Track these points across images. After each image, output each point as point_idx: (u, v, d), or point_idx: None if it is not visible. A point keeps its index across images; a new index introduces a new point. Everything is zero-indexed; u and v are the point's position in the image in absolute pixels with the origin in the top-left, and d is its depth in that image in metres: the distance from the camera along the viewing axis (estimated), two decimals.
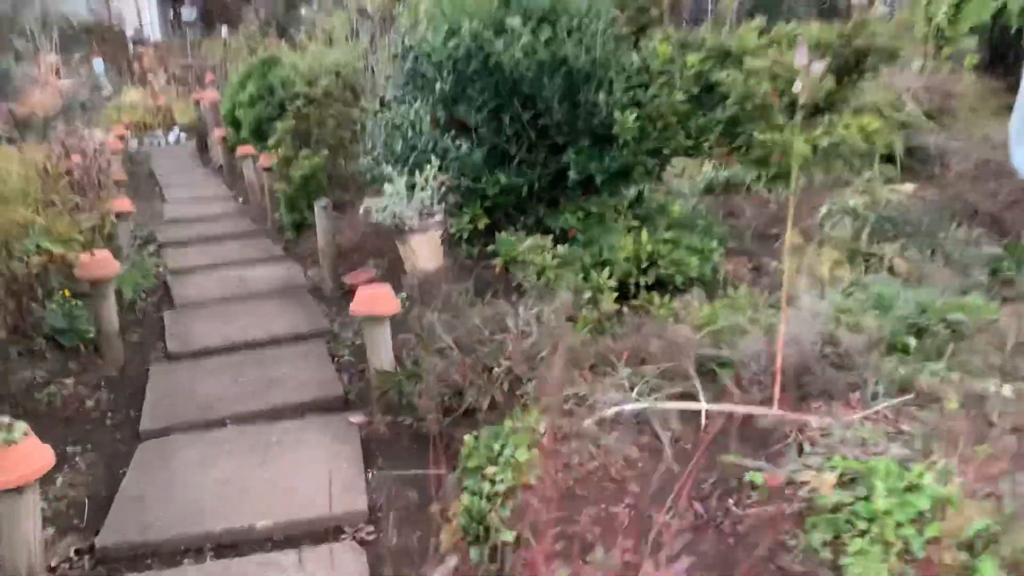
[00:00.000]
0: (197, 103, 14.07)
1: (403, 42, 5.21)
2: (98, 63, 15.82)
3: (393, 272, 6.05)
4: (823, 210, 6.41)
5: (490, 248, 4.96)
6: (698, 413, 3.25)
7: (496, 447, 3.06)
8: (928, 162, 7.49)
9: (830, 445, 2.86)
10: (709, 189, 7.36)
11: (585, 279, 4.52)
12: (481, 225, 4.97)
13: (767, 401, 3.34)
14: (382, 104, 5.40)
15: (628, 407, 3.20)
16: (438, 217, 4.65)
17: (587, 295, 4.39)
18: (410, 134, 5.14)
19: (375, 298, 3.84)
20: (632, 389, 3.34)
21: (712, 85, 4.66)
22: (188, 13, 19.67)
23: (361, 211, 4.69)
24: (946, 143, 7.58)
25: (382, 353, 3.90)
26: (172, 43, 20.60)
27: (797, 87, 4.05)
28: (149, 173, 11.74)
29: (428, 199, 4.57)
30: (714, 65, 4.56)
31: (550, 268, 4.52)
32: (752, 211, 6.86)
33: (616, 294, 4.42)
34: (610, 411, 3.18)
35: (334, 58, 8.17)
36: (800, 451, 2.93)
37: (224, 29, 16.79)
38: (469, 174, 4.79)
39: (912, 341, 3.56)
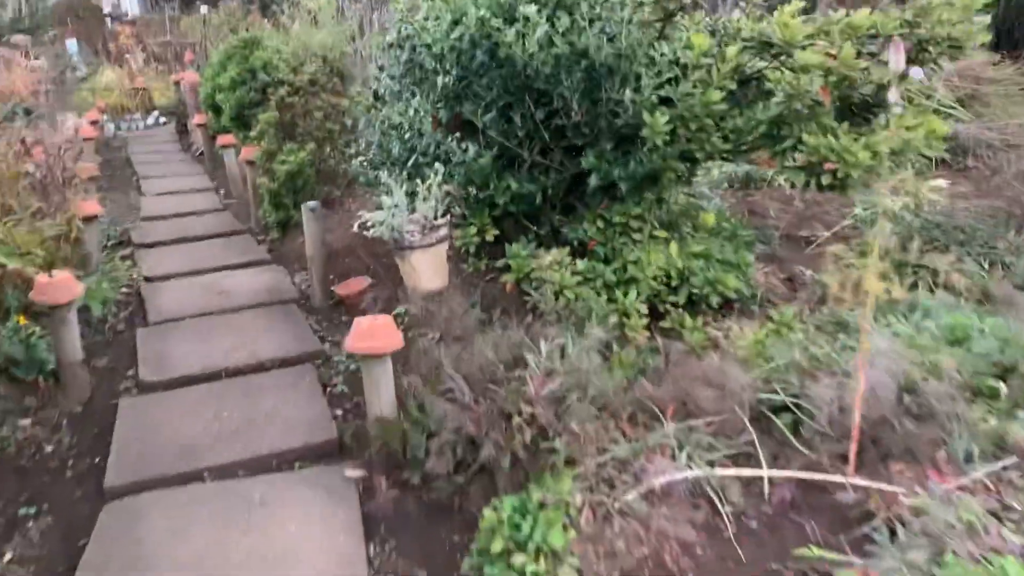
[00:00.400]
0: (177, 84, 13.38)
1: (399, 30, 4.64)
2: (71, 43, 15.08)
3: (389, 280, 5.53)
4: (856, 211, 5.93)
5: (499, 263, 4.45)
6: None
7: (524, 527, 2.56)
8: (959, 154, 7.00)
9: (930, 532, 2.37)
10: (727, 184, 6.85)
11: (609, 300, 4.01)
12: (489, 237, 4.45)
13: (838, 460, 2.86)
14: (376, 98, 4.83)
15: (679, 475, 2.71)
16: (442, 231, 4.12)
17: (612, 319, 3.89)
18: (408, 135, 4.59)
19: (375, 332, 3.32)
20: (681, 449, 2.85)
21: (750, 80, 4.13)
22: None
23: (355, 226, 4.15)
24: (979, 132, 7.08)
25: (382, 395, 3.38)
26: (151, 20, 19.78)
27: (893, 96, 3.55)
28: (126, 160, 11.10)
29: (431, 210, 4.04)
30: (753, 58, 4.03)
31: (569, 287, 4.01)
32: (776, 209, 6.36)
33: (646, 319, 3.92)
34: (659, 481, 2.69)
35: (320, 41, 7.56)
36: (892, 535, 2.45)
37: (203, 5, 16.00)
38: (476, 180, 4.26)
39: (1000, 386, 3.08)
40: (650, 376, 3.30)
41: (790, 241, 5.63)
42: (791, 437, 3.01)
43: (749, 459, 2.87)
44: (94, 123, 11.18)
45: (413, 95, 4.69)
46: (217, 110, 9.86)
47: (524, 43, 3.96)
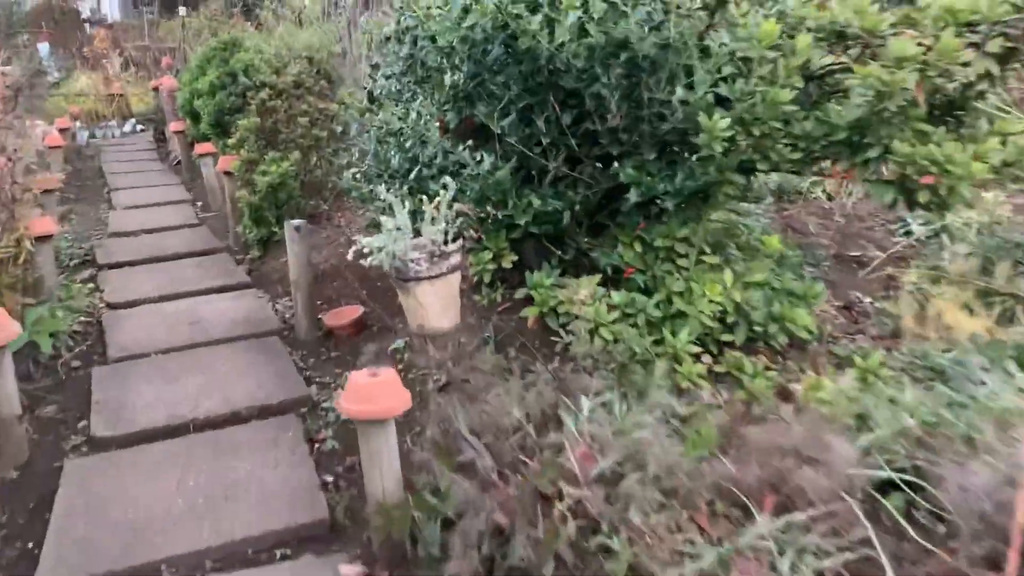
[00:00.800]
0: (155, 90, 12.64)
1: (399, 20, 3.97)
2: (43, 47, 14.31)
3: (384, 308, 4.85)
4: (912, 228, 5.28)
5: (519, 293, 3.77)
6: None
7: None
8: None
9: None
10: (757, 196, 6.20)
11: (656, 341, 3.34)
12: (507, 263, 3.77)
13: (986, 567, 2.19)
14: (371, 101, 4.15)
15: None
16: (454, 259, 3.44)
17: (660, 364, 3.22)
18: (409, 142, 3.91)
19: (375, 392, 2.63)
20: (782, 555, 2.17)
21: (816, 77, 3.48)
22: None
23: (350, 254, 3.45)
24: None
25: (384, 470, 2.69)
26: (129, 24, 19.02)
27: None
28: (98, 170, 10.36)
29: (440, 234, 3.36)
30: (822, 50, 3.38)
31: (606, 324, 3.34)
32: (815, 225, 5.72)
33: (701, 366, 3.25)
34: None
35: (305, 40, 6.88)
36: None
37: (182, 8, 15.27)
38: (492, 197, 3.58)
39: None
40: (725, 443, 2.62)
41: (840, 262, 4.98)
42: (910, 529, 2.34)
43: (869, 564, 2.20)
44: (63, 130, 10.45)
45: (415, 96, 4.02)
46: (196, 116, 9.16)
47: (552, 32, 3.30)
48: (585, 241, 3.81)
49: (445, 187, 3.50)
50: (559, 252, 3.87)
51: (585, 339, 3.27)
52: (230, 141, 6.66)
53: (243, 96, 8.15)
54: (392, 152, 3.82)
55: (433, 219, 3.37)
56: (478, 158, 3.50)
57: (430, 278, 3.34)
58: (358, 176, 3.99)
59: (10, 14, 19.50)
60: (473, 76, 3.65)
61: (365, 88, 4.37)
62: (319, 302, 5.20)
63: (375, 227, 5.53)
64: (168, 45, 15.61)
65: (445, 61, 3.71)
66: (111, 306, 5.43)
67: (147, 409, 3.92)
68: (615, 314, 3.40)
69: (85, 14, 19.79)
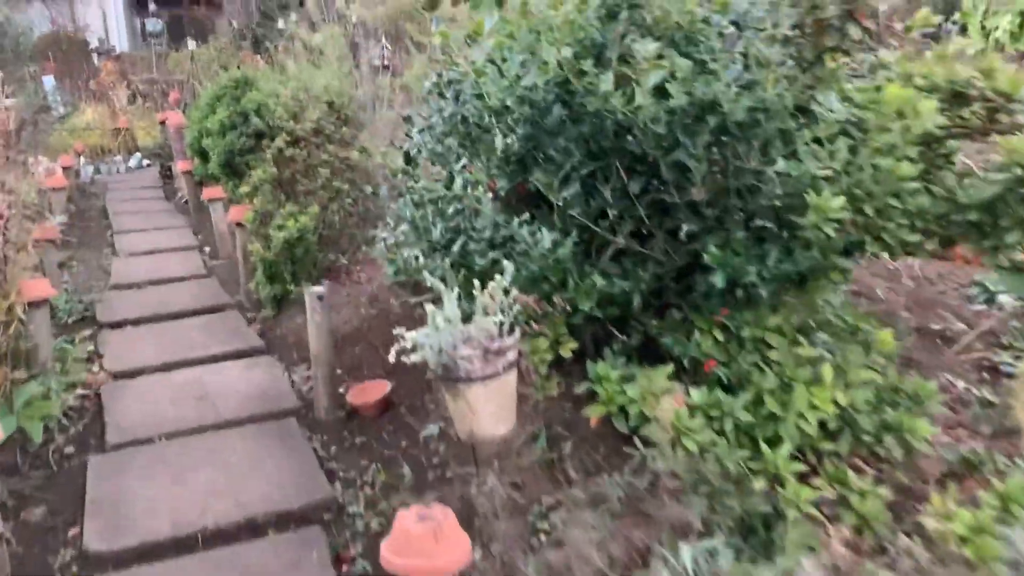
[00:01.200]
0: (162, 123, 12.25)
1: (440, 76, 3.52)
2: (48, 79, 13.95)
3: (412, 380, 4.36)
4: (1001, 298, 4.76)
5: (579, 387, 3.28)
6: None
7: None
8: None
9: None
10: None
11: (751, 455, 2.83)
12: (566, 352, 3.28)
13: None
14: (407, 162, 3.68)
15: None
16: (511, 354, 2.94)
17: (757, 484, 2.72)
18: (452, 209, 3.44)
19: (428, 544, 2.12)
20: None
21: (932, 143, 3.01)
22: (153, 24, 17.77)
23: (392, 352, 2.95)
24: None
25: None
26: (137, 55, 18.71)
27: None
28: (101, 211, 9.94)
29: (496, 325, 2.87)
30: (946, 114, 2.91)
31: (690, 433, 2.84)
32: (883, 288, 5.21)
33: (809, 490, 2.73)
34: None
35: (325, 83, 6.44)
36: None
37: (190, 40, 14.95)
38: (551, 277, 3.09)
39: None
40: None
41: (921, 337, 4.47)
42: None
43: None
44: (67, 168, 10.05)
45: (457, 158, 3.55)
46: (204, 156, 8.71)
47: (627, 94, 2.84)
48: (653, 324, 3.32)
49: (495, 265, 3.01)
50: (624, 335, 3.37)
51: (667, 452, 2.77)
52: (243, 189, 6.21)
53: (255, 138, 7.73)
54: (432, 221, 3.34)
55: (486, 309, 2.88)
56: (536, 232, 3.01)
57: (484, 378, 2.85)
58: (393, 247, 3.51)
59: (17, 45, 19.23)
60: (528, 138, 3.18)
61: (392, 143, 3.90)
62: (339, 370, 4.72)
63: (400, 286, 5.05)
64: (176, 78, 15.27)
65: (496, 121, 3.25)
66: (113, 374, 4.93)
67: (149, 514, 3.40)
68: (698, 419, 2.90)
69: (93, 44, 19.52)
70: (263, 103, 7.20)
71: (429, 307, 2.87)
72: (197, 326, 5.76)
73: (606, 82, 2.84)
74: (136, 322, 5.83)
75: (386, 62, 9.35)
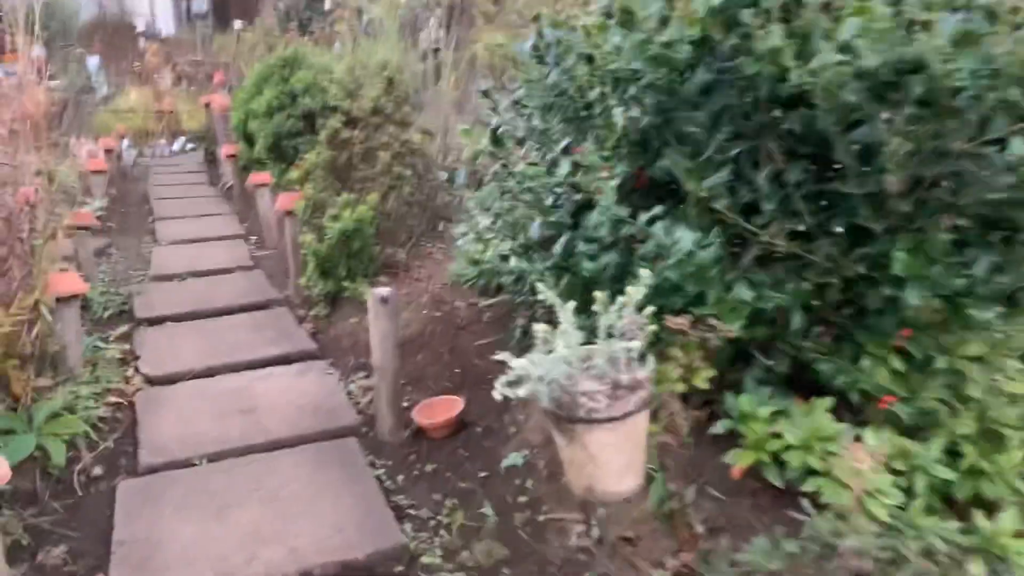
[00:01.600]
0: (207, 106, 11.80)
1: (540, 34, 2.88)
2: (92, 60, 13.58)
3: (487, 392, 3.74)
4: None
5: (716, 426, 2.63)
6: None
7: None
8: None
9: None
10: None
11: (964, 530, 2.16)
12: (700, 381, 2.63)
13: None
14: (495, 143, 3.05)
15: None
16: (644, 391, 2.30)
17: (976, 568, 2.05)
18: (549, 199, 2.80)
19: None
20: None
21: None
22: (198, 4, 17.37)
23: (496, 390, 2.32)
24: None
25: None
26: (182, 38, 18.38)
27: None
28: (143, 196, 9.49)
29: (624, 352, 2.23)
30: None
31: (879, 497, 2.18)
32: None
33: None
34: None
35: (382, 58, 5.84)
36: None
37: (237, 22, 14.49)
38: (689, 287, 2.44)
39: None
40: None
41: None
42: None
43: None
44: (109, 151, 9.61)
45: (556, 140, 2.91)
46: (250, 139, 8.24)
47: (803, 51, 2.17)
48: (807, 347, 2.65)
49: (640, 281, 2.37)
50: (767, 359, 2.72)
51: (853, 519, 2.11)
52: (292, 174, 5.65)
53: (305, 119, 7.20)
54: (533, 217, 2.71)
55: (610, 331, 2.24)
56: (673, 234, 2.37)
57: (611, 420, 2.21)
58: (479, 243, 2.88)
59: (64, 27, 18.99)
60: (659, 111, 2.53)
61: (488, 125, 3.26)
62: (402, 381, 4.13)
63: (470, 285, 4.42)
64: (222, 60, 14.85)
65: (615, 91, 2.60)
66: (148, 380, 4.40)
67: (185, 562, 2.84)
68: (883, 474, 2.24)
69: (140, 27, 19.24)
70: (313, 83, 6.65)
71: (540, 327, 2.23)
72: (243, 324, 5.22)
73: (775, 36, 2.18)
74: (177, 319, 5.30)
75: (435, 45, 8.74)
